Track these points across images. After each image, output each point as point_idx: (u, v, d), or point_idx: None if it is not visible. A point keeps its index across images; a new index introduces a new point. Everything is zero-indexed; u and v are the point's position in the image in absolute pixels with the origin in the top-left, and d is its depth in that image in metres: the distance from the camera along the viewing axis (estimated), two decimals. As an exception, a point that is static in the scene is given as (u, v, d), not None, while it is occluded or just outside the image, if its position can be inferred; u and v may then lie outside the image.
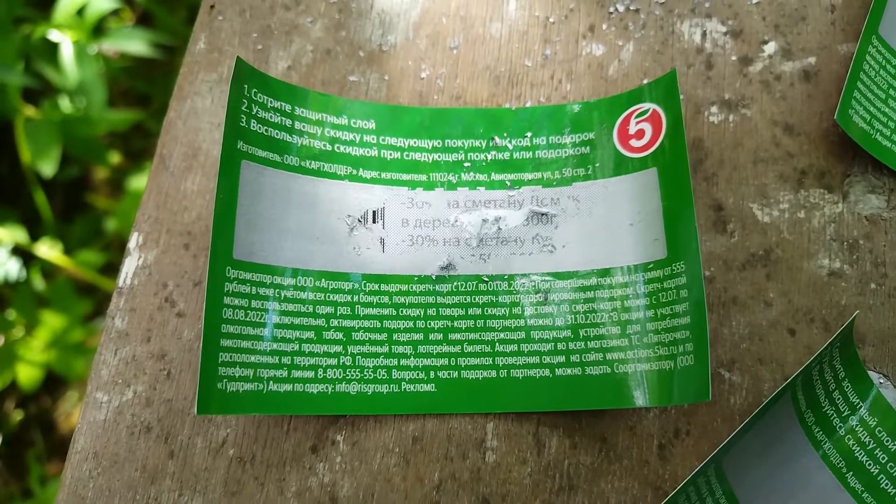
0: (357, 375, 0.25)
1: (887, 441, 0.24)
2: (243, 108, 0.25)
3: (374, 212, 0.26)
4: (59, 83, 0.85)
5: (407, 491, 0.24)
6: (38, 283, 0.98)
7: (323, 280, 0.25)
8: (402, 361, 0.25)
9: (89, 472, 0.25)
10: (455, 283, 0.26)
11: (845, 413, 0.24)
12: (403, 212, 0.27)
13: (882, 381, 0.26)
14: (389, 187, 0.27)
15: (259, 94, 0.25)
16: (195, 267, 0.27)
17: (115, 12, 1.02)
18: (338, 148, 0.27)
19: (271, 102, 0.25)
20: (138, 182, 1.02)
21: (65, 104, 0.92)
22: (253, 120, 0.25)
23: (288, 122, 0.26)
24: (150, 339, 0.26)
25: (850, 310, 0.26)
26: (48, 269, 1.01)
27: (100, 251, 1.04)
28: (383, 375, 0.25)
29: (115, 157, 1.04)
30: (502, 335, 0.25)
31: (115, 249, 1.05)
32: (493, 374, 0.25)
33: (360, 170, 0.27)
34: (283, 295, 0.24)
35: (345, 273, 0.25)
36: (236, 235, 0.24)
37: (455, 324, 0.25)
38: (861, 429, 0.24)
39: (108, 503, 0.24)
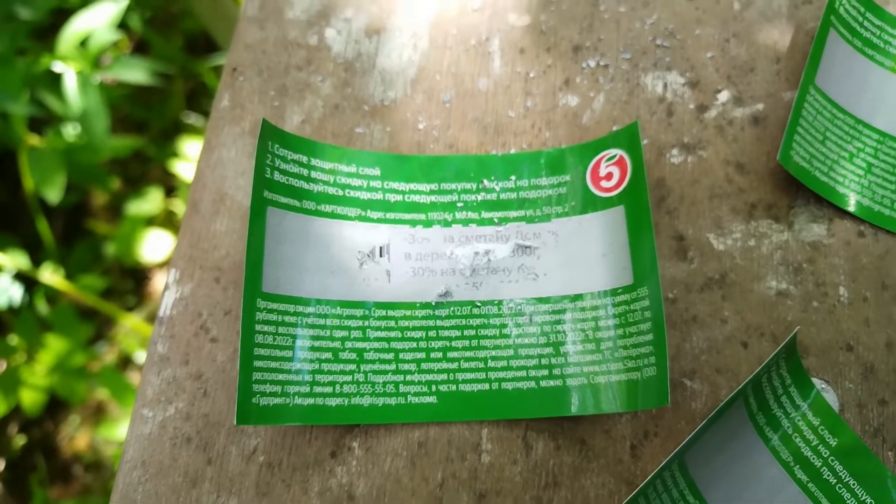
0: (369, 390, 0.29)
1: (828, 438, 0.29)
2: (268, 162, 0.30)
3: (380, 247, 0.31)
4: (62, 112, 0.88)
5: (414, 489, 0.29)
6: (42, 307, 1.01)
7: (338, 308, 0.30)
8: (408, 377, 0.30)
9: (138, 479, 0.29)
10: (452, 308, 0.31)
11: (791, 414, 0.29)
12: (406, 247, 0.32)
13: (824, 386, 0.31)
14: (393, 226, 0.32)
15: (280, 149, 0.30)
16: (225, 298, 0.32)
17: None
18: (348, 193, 0.32)
19: (290, 155, 0.30)
20: (137, 207, 1.06)
21: (68, 132, 0.95)
22: (276, 171, 0.30)
23: (305, 171, 0.31)
24: (188, 361, 0.31)
25: (795, 325, 0.31)
26: (50, 294, 1.05)
27: (100, 276, 1.08)
28: (391, 389, 0.30)
29: (114, 183, 1.07)
30: (493, 352, 0.30)
31: (115, 274, 1.09)
32: (487, 386, 0.30)
33: (368, 211, 0.32)
34: (305, 322, 0.29)
35: (357, 301, 0.30)
36: (264, 271, 0.29)
37: (453, 343, 0.30)
38: (806, 427, 0.29)
39: (155, 505, 0.29)
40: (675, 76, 0.35)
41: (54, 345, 0.95)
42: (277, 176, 0.30)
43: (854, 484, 0.29)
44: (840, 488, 0.29)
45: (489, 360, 0.30)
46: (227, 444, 0.30)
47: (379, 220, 0.32)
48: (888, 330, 0.31)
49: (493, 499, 0.29)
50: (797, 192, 0.33)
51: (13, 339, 0.93)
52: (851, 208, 0.33)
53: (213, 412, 0.30)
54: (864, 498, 0.28)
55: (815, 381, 0.30)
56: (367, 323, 0.30)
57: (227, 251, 0.32)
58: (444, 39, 0.36)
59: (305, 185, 0.31)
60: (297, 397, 0.28)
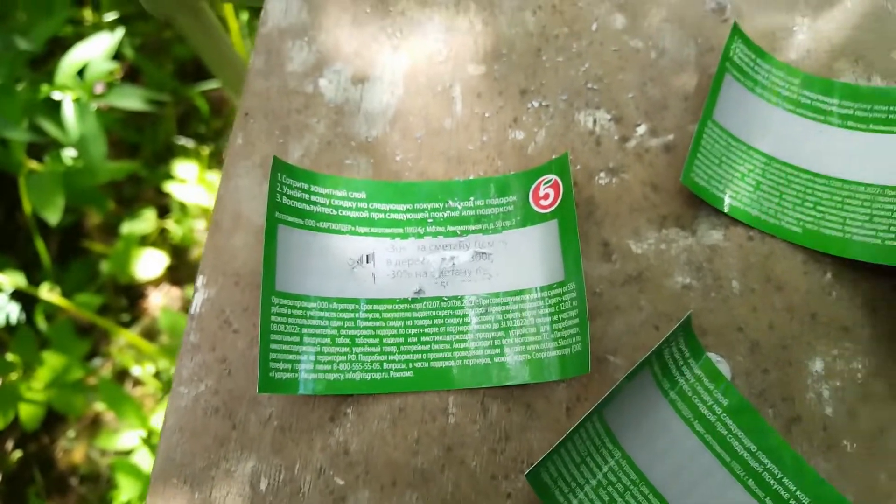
0: (360, 367, 0.39)
1: (720, 398, 0.39)
2: (278, 190, 0.39)
3: (367, 255, 0.41)
4: (60, 138, 0.96)
5: (396, 444, 0.39)
6: (42, 324, 1.09)
7: (334, 303, 0.40)
8: (390, 357, 0.40)
9: (177, 441, 0.39)
10: (424, 303, 0.41)
11: (690, 380, 0.39)
12: (387, 255, 0.42)
13: (719, 359, 0.41)
14: (377, 238, 0.42)
15: (287, 179, 0.40)
16: (243, 298, 0.41)
17: (107, 69, 1.14)
18: (340, 212, 0.42)
19: (295, 184, 0.40)
20: (132, 227, 1.15)
21: (66, 157, 1.03)
22: (284, 196, 0.40)
23: (307, 196, 0.41)
24: (214, 348, 0.40)
25: (696, 311, 0.41)
26: (49, 311, 1.12)
27: (95, 293, 1.15)
28: (377, 367, 0.39)
29: (109, 204, 1.16)
30: (457, 336, 0.40)
31: (110, 291, 1.18)
32: (452, 363, 0.40)
33: (357, 227, 0.42)
34: (308, 314, 0.39)
35: (349, 298, 0.40)
36: (277, 275, 0.38)
37: (425, 330, 0.40)
38: (702, 390, 0.39)
39: (191, 461, 0.38)
40: (602, 113, 0.45)
41: (52, 361, 1.01)
42: (286, 200, 0.40)
43: (742, 435, 0.38)
44: (731, 438, 0.38)
45: (454, 343, 0.40)
46: (247, 413, 0.39)
47: (366, 234, 0.42)
48: (770, 315, 0.41)
49: (458, 450, 0.38)
50: (700, 206, 0.43)
51: (10, 356, 1.00)
52: (742, 218, 0.43)
53: (235, 388, 0.40)
54: (749, 446, 0.38)
55: (711, 354, 0.40)
56: (357, 315, 0.40)
57: (243, 260, 0.42)
58: (416, 87, 0.46)
59: (307, 207, 0.41)
60: (303, 373, 0.38)
